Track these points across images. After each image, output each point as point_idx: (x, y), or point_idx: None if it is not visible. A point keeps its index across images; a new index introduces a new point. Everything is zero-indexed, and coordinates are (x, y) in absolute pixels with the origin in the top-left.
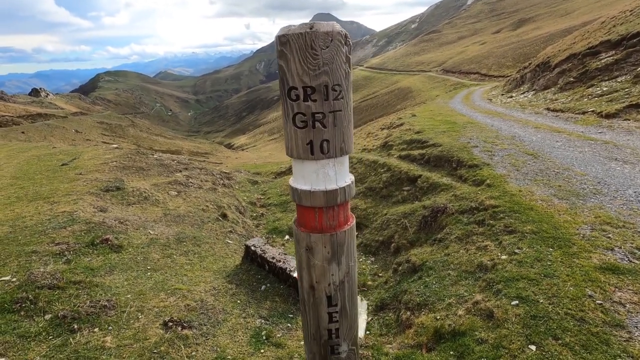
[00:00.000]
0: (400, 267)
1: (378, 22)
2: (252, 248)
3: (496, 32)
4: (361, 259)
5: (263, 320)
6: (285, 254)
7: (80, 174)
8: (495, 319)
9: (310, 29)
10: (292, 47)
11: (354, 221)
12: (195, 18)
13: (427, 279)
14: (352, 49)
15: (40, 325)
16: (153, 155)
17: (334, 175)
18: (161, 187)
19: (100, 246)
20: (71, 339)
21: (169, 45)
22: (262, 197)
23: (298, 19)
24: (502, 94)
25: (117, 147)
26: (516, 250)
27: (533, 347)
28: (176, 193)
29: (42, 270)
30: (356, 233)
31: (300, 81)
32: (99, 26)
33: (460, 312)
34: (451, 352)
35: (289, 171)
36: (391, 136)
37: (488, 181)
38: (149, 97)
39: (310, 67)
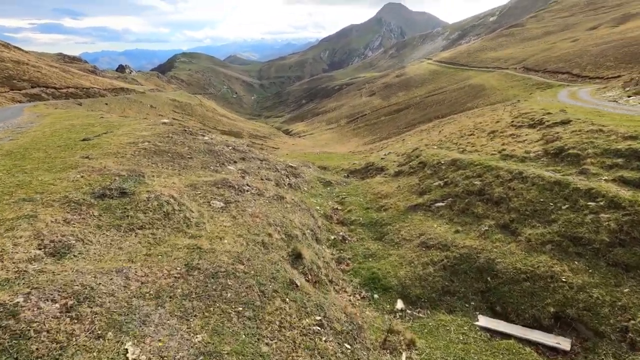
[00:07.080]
0: None
1: (452, 14)
2: None
3: (592, 28)
4: None
5: None
6: None
7: (88, 157)
8: None
9: None
10: None
11: None
12: (264, 4)
13: None
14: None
15: None
16: (204, 136)
17: None
18: (200, 192)
19: None
20: None
21: (239, 31)
22: (339, 208)
23: (367, 9)
24: (630, 96)
25: (164, 122)
26: None
27: None
28: (223, 205)
29: None
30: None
31: None
32: (178, 10)
33: None
34: None
35: (364, 170)
36: (561, 139)
37: None
38: (218, 79)
39: None
